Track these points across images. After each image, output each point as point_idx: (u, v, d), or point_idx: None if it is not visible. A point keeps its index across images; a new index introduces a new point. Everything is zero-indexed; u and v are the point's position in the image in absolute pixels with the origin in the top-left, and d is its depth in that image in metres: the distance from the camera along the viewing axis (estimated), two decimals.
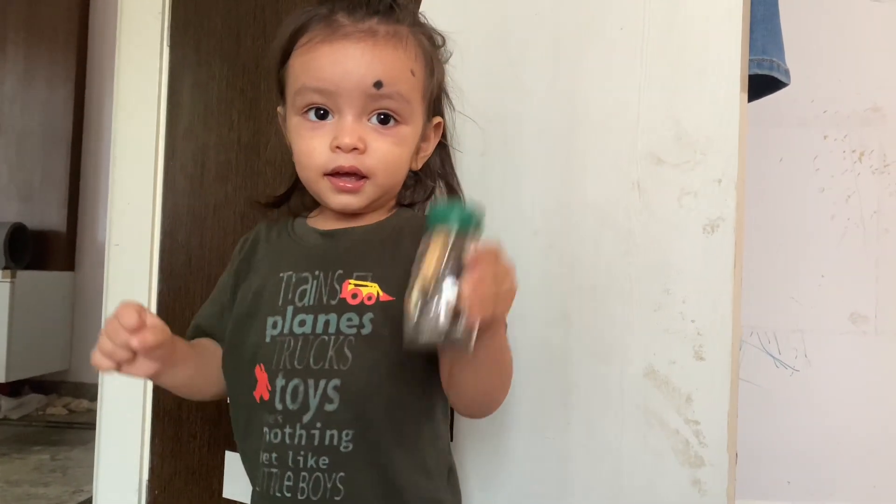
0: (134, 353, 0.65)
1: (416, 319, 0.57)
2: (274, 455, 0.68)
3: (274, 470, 0.68)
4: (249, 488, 0.73)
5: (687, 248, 0.85)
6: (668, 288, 0.86)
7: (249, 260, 0.78)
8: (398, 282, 0.64)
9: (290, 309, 0.70)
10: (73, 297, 2.88)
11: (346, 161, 0.69)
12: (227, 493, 1.13)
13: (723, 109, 0.85)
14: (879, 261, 1.53)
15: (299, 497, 0.67)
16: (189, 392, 0.78)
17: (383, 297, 0.68)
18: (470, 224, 0.59)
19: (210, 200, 1.17)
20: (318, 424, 0.67)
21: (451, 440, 0.77)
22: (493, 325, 0.59)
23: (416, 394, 0.70)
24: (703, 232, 0.85)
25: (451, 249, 0.57)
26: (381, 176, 0.71)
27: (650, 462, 0.86)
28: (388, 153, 0.71)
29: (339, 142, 0.69)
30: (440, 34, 0.77)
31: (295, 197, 0.82)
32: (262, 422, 0.69)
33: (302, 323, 0.69)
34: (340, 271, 0.70)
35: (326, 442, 0.66)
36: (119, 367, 0.65)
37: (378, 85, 0.69)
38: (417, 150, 0.76)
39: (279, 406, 0.68)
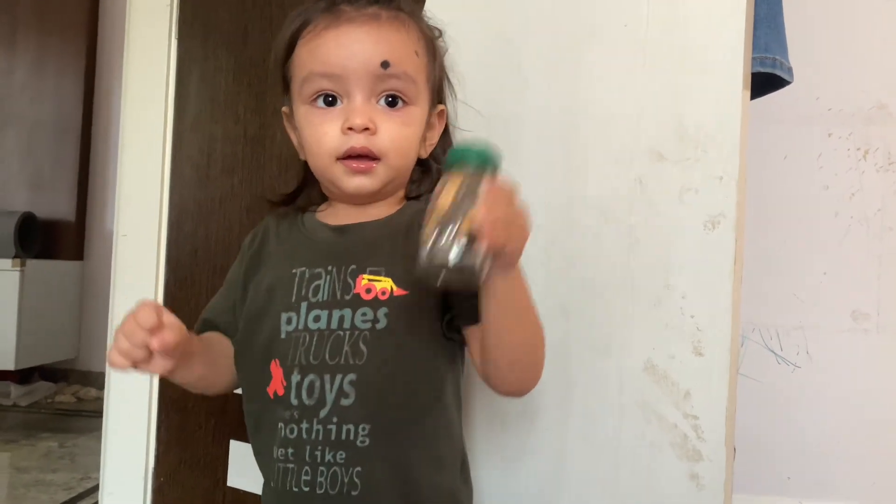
0: (150, 352, 0.65)
1: (429, 246, 0.56)
2: (290, 450, 0.68)
3: (290, 465, 0.68)
4: (253, 478, 0.74)
5: (688, 245, 0.86)
6: (669, 283, 0.86)
7: (260, 254, 0.79)
8: (411, 276, 0.65)
9: (304, 304, 0.70)
10: (82, 287, 2.90)
11: (357, 142, 0.70)
12: (232, 482, 1.14)
13: (725, 107, 0.85)
14: (882, 258, 1.53)
15: (317, 491, 0.67)
16: (200, 387, 0.78)
17: (397, 291, 0.69)
18: (488, 164, 0.59)
19: (216, 193, 1.18)
20: (335, 419, 0.67)
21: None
22: (505, 259, 0.58)
23: (430, 386, 0.71)
24: (704, 228, 0.85)
25: (468, 185, 0.57)
26: (393, 156, 0.72)
27: (648, 456, 0.86)
28: (398, 133, 0.72)
29: (350, 122, 0.69)
30: (437, 27, 0.78)
31: (302, 193, 0.82)
32: (277, 417, 0.69)
33: (317, 318, 0.70)
34: (353, 266, 0.70)
35: (343, 437, 0.67)
36: (135, 365, 0.65)
37: (385, 65, 0.70)
38: (424, 139, 0.77)
39: (295, 401, 0.68)
